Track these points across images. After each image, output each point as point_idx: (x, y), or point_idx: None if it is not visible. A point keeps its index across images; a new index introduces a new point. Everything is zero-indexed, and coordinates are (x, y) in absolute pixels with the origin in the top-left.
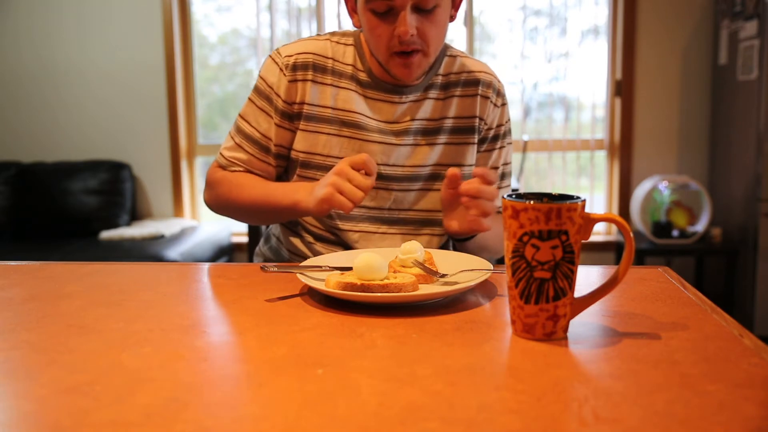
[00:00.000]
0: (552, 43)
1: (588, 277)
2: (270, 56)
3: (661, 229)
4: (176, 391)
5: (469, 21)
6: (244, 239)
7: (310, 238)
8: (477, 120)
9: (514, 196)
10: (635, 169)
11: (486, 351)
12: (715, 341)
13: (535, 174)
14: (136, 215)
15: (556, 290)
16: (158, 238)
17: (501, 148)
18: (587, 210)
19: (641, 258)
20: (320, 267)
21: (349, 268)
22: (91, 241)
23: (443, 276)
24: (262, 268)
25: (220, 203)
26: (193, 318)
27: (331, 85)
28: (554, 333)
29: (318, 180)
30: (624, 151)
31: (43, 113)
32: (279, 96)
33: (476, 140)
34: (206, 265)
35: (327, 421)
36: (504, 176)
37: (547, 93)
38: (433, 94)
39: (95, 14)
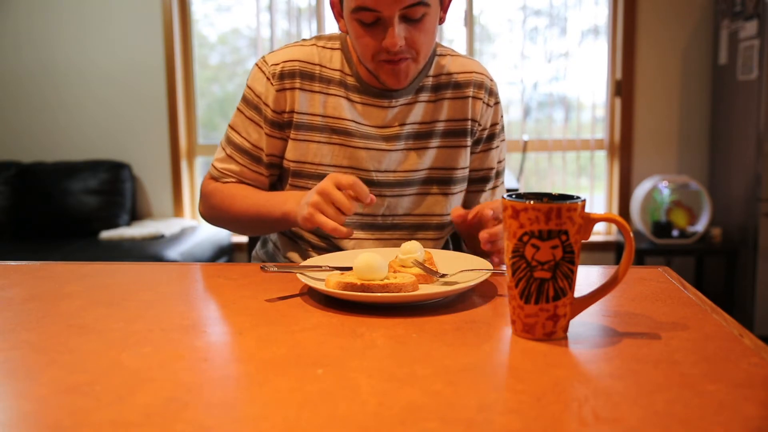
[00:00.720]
0: (552, 43)
1: (588, 277)
2: (256, 65)
3: (661, 229)
4: (176, 391)
5: (469, 21)
6: (244, 239)
7: (305, 246)
8: (470, 122)
9: (514, 196)
10: (635, 169)
11: (486, 351)
12: (715, 341)
13: (535, 174)
14: (136, 215)
15: (556, 290)
16: (158, 238)
17: (496, 147)
18: (587, 210)
19: (641, 258)
20: (320, 267)
21: (349, 268)
22: (91, 241)
23: (443, 276)
24: (262, 268)
25: (214, 215)
26: (193, 318)
27: (319, 92)
28: (554, 333)
29: (309, 189)
30: (624, 151)
31: (43, 113)
32: (268, 106)
33: (469, 143)
34: (206, 265)
35: (327, 421)
36: (498, 174)
37: (547, 93)
38: (423, 96)
39: (95, 14)
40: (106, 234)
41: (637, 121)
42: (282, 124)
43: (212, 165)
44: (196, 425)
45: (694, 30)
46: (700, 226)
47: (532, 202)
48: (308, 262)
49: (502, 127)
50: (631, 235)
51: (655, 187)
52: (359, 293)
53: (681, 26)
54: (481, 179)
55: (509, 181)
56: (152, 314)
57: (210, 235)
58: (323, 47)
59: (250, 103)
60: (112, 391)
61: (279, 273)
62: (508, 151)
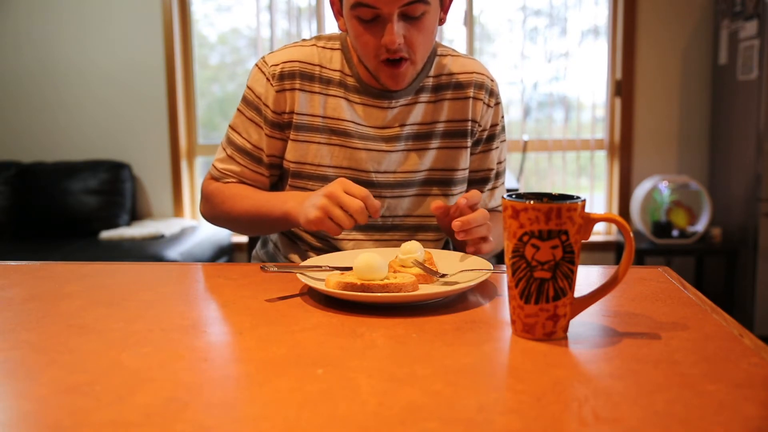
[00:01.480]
0: (552, 43)
1: (588, 277)
2: (256, 65)
3: (661, 229)
4: (176, 391)
5: (469, 21)
6: (244, 239)
7: (304, 246)
8: (470, 123)
9: (514, 196)
10: (635, 169)
11: (486, 351)
12: (715, 341)
13: (535, 174)
14: (136, 215)
15: (556, 290)
16: (158, 238)
17: (496, 148)
18: (587, 210)
19: (641, 258)
20: (320, 267)
21: (349, 268)
22: (91, 241)
23: (443, 276)
24: (262, 267)
25: (215, 215)
26: (193, 318)
27: (319, 93)
28: (554, 333)
29: (309, 189)
30: (624, 151)
31: (43, 113)
32: (268, 106)
33: (469, 144)
34: (206, 265)
35: (327, 421)
36: (498, 175)
37: (547, 93)
38: (423, 97)
39: (95, 14)
40: (106, 234)
41: (637, 121)
42: (282, 125)
43: (213, 165)
44: (196, 425)
45: (694, 30)
46: (700, 226)
47: (532, 202)
48: (308, 262)
49: (503, 128)
50: (631, 235)
51: (655, 187)
52: (359, 293)
53: (681, 26)
54: (480, 180)
55: (509, 181)
56: (152, 314)
57: (210, 235)
58: (323, 47)
59: (250, 103)
60: (112, 391)
61: (279, 273)
62: (508, 151)
